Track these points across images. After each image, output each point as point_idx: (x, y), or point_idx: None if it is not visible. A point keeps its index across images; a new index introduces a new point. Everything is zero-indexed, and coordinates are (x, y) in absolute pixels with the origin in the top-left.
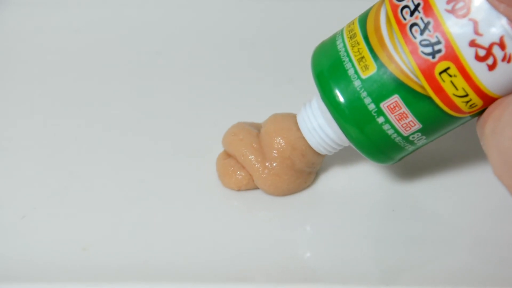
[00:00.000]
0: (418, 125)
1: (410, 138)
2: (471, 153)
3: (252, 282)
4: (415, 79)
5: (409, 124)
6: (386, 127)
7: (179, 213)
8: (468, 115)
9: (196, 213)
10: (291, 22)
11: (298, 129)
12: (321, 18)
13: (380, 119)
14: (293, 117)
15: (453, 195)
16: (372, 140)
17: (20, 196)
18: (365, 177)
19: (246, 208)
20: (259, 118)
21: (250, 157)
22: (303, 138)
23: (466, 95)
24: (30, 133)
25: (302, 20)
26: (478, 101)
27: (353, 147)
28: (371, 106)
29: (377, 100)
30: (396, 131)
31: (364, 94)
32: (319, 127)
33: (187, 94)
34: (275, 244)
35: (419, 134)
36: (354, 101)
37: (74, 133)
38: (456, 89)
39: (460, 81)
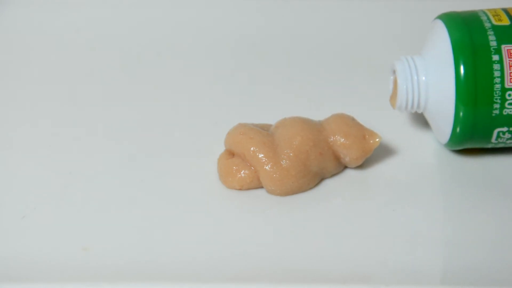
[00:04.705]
0: None
1: (508, 94)
2: (472, 154)
3: (252, 282)
4: None
5: None
6: (496, 66)
7: (179, 213)
8: None
9: (196, 213)
10: (291, 23)
11: (323, 133)
12: (321, 19)
13: (495, 57)
14: (317, 123)
15: (453, 195)
16: (474, 74)
17: (20, 196)
18: (365, 177)
19: (246, 208)
20: (260, 118)
21: (260, 153)
22: (327, 142)
23: None
24: (30, 133)
25: (302, 20)
26: None
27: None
28: (493, 43)
29: (500, 41)
30: (502, 76)
31: (490, 32)
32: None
33: (187, 94)
34: (275, 244)
35: None
36: (479, 32)
37: (74, 133)
38: None
39: None
